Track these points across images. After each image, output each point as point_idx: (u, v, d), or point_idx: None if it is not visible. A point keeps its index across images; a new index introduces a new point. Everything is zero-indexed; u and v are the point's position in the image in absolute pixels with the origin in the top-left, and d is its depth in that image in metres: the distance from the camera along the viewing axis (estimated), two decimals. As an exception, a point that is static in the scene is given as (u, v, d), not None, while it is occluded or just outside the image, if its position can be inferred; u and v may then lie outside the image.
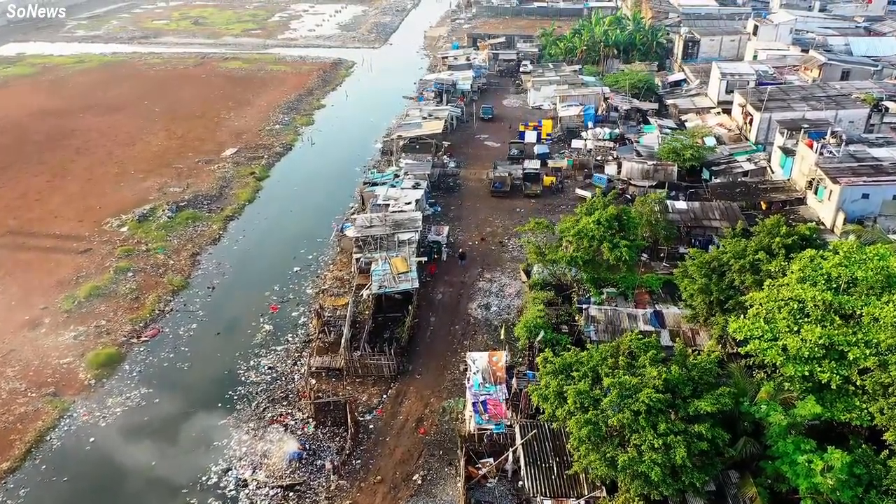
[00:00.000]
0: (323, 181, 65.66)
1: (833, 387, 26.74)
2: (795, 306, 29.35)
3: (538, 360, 30.68)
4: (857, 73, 73.21)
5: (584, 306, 40.55)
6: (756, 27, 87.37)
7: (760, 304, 30.97)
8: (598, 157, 66.01)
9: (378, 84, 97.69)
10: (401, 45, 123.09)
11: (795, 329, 28.43)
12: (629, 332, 30.95)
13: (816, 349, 27.10)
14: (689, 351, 33.85)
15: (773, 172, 57.89)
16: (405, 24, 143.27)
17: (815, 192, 50.19)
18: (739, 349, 29.19)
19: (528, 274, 45.65)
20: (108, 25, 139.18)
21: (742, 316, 32.56)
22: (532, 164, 63.73)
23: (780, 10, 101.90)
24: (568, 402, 27.47)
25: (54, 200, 60.75)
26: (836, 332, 27.31)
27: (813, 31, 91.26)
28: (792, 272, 31.08)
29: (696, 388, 27.51)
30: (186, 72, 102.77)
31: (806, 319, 28.59)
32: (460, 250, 49.79)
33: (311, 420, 35.46)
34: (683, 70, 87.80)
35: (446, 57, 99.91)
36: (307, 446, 33.77)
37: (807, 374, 27.16)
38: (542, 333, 35.76)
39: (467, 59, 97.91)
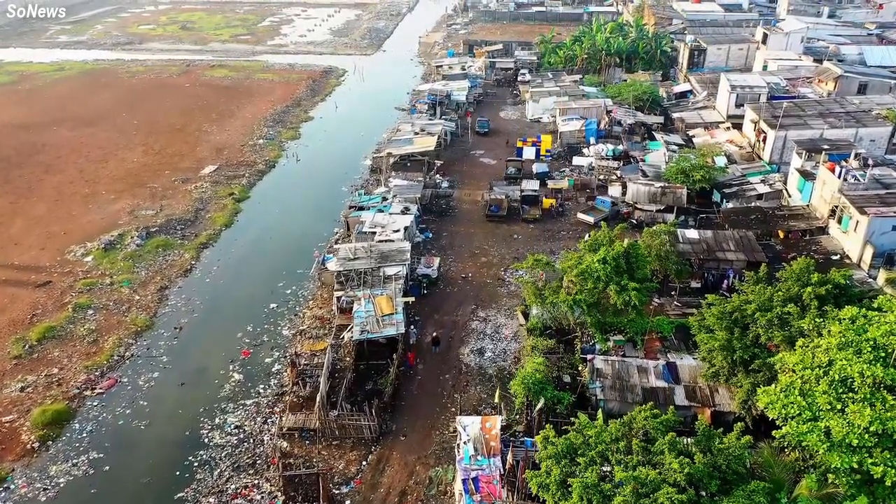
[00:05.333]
0: (307, 203, 61.33)
1: (888, 483, 22.55)
2: (837, 377, 25.16)
3: (537, 439, 26.49)
4: (874, 86, 69.11)
5: (589, 356, 36.39)
6: (765, 35, 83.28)
7: (793, 370, 26.87)
8: (602, 177, 61.86)
9: (369, 94, 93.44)
10: (394, 52, 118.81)
11: (839, 407, 24.27)
12: (641, 406, 26.73)
13: (867, 436, 22.93)
14: (710, 422, 29.96)
15: (789, 196, 53.73)
16: (400, 29, 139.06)
17: (839, 222, 46.02)
18: (774, 433, 24.91)
19: (526, 316, 41.41)
20: (93, 30, 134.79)
21: (772, 381, 28.51)
22: (530, 185, 59.47)
23: (788, 16, 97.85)
24: (573, 496, 23.29)
25: (16, 225, 56.44)
26: (890, 414, 23.10)
27: (824, 40, 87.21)
28: (830, 333, 26.93)
29: (723, 480, 23.33)
30: (170, 80, 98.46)
31: (851, 395, 24.41)
32: (434, 334, 41.06)
33: (279, 494, 31.18)
34: (689, 80, 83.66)
35: (441, 66, 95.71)
36: (273, 529, 29.58)
37: (855, 465, 23.00)
38: (542, 401, 31.49)
39: (463, 68, 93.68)
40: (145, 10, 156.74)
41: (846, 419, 23.63)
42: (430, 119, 75.24)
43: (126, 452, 34.07)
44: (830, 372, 25.37)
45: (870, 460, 22.77)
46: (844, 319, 26.88)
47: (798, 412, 24.87)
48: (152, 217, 57.34)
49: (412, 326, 41.54)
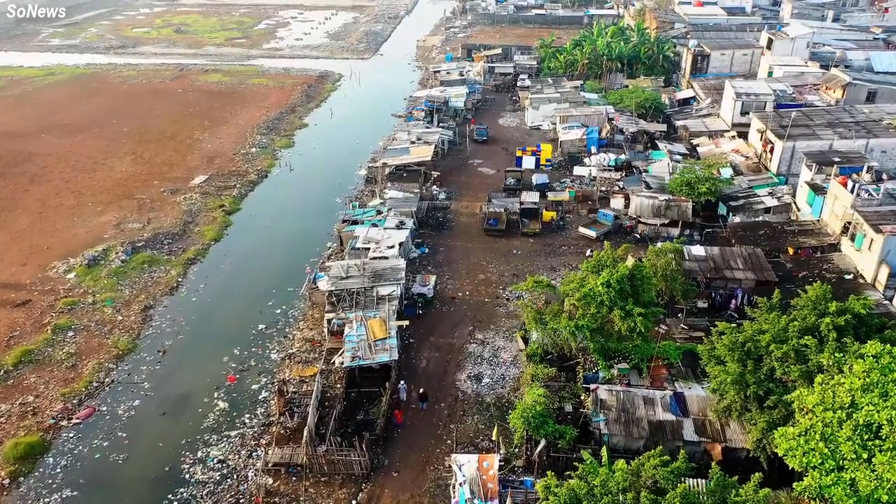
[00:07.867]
0: (299, 215, 59.37)
1: (920, 543, 20.75)
2: (861, 420, 23.32)
3: (538, 487, 24.61)
4: (883, 93, 67.22)
5: (592, 386, 34.47)
6: (770, 40, 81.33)
7: (812, 411, 25.02)
8: (604, 188, 59.95)
9: (366, 100, 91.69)
10: (392, 56, 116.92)
11: (865, 456, 22.43)
12: (650, 452, 24.84)
13: (897, 492, 21.10)
14: (721, 458, 28.12)
15: (798, 210, 51.87)
16: (397, 32, 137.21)
17: (852, 240, 44.13)
18: (795, 486, 23.06)
19: (525, 341, 39.49)
20: (86, 33, 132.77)
21: (789, 418, 26.70)
22: (530, 197, 57.52)
23: (792, 20, 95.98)
24: (577, 555, 21.47)
25: (-2, 239, 54.59)
26: (922, 467, 21.27)
27: (829, 45, 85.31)
28: (852, 370, 25.07)
29: (741, 539, 21.50)
30: (162, 86, 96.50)
31: (878, 443, 22.55)
32: (421, 390, 36.94)
33: (262, 538, 29.37)
34: (692, 86, 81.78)
35: (438, 71, 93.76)
36: (255, 579, 27.65)
37: (885, 522, 21.18)
38: (543, 442, 29.56)
39: (461, 73, 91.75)
40: (140, 13, 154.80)
41: (874, 471, 21.81)
42: (428, 126, 73.38)
43: (102, 490, 32.14)
44: (854, 415, 23.58)
45: (901, 518, 20.99)
46: (868, 356, 25.07)
47: (820, 461, 23.07)
48: (139, 231, 55.38)
49: (402, 382, 37.36)
